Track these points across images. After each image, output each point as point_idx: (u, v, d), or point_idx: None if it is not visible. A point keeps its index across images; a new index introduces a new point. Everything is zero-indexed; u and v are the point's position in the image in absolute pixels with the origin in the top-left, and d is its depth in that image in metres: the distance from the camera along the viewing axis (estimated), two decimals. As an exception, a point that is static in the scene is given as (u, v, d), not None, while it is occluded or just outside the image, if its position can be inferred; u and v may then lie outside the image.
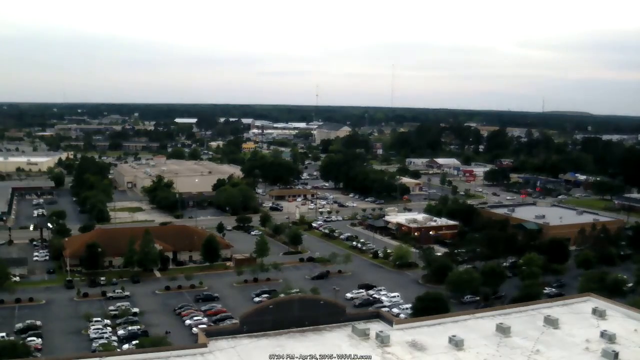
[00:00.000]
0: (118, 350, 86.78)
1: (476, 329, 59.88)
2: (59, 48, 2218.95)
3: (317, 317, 59.09)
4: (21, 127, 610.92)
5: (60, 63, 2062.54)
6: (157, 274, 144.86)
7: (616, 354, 52.65)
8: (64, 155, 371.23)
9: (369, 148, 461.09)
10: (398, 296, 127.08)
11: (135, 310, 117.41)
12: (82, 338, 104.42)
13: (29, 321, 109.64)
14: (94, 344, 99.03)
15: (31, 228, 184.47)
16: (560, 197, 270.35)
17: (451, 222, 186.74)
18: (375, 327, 58.44)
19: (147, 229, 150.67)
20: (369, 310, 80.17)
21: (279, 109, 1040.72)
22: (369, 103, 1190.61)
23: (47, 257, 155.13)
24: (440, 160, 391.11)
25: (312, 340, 55.63)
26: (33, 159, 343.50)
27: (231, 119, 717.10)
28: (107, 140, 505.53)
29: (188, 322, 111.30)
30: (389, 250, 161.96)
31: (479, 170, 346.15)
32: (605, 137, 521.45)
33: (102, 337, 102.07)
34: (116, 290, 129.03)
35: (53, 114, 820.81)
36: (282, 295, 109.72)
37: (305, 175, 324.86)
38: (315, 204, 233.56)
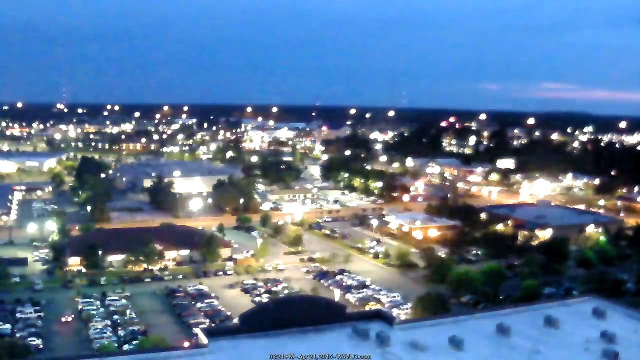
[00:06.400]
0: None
1: (476, 329, 59.81)
2: (59, 48, 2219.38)
3: (317, 317, 59.05)
4: (21, 127, 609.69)
5: (60, 63, 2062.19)
6: (158, 274, 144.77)
7: (616, 355, 52.59)
8: (64, 156, 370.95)
9: (369, 148, 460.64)
10: (398, 296, 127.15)
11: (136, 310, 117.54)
12: (82, 338, 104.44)
13: (29, 321, 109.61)
14: (94, 345, 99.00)
15: (31, 228, 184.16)
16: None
17: (451, 222, 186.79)
18: (375, 327, 58.38)
19: (148, 229, 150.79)
20: (369, 310, 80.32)
21: (278, 108, 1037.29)
22: (369, 103, 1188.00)
23: (47, 257, 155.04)
24: (440, 160, 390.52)
25: (312, 340, 55.57)
26: (33, 159, 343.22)
27: (231, 119, 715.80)
28: (107, 140, 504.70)
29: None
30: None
31: (479, 170, 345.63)
32: (605, 137, 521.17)
33: (102, 338, 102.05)
34: (116, 290, 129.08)
35: (53, 114, 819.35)
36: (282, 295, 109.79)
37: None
38: (316, 204, 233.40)
